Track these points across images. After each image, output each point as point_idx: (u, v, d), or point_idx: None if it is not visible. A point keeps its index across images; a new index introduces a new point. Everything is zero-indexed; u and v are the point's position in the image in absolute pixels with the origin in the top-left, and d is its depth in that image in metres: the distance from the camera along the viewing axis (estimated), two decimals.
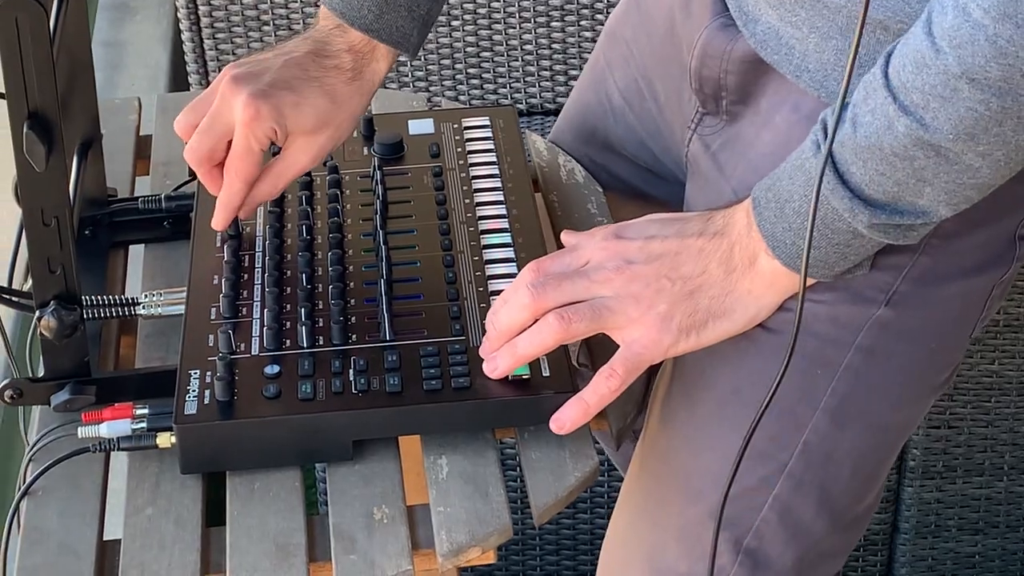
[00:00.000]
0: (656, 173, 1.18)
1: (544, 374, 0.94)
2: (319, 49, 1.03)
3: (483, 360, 0.94)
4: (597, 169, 1.22)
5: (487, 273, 1.03)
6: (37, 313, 0.95)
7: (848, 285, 0.93)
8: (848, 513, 1.02)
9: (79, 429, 0.94)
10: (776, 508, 0.99)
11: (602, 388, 0.90)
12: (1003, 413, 1.63)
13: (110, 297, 1.05)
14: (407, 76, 2.05)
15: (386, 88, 1.33)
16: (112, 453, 0.95)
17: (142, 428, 0.94)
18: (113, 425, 0.94)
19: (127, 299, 1.05)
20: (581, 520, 1.74)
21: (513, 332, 0.92)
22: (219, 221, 1.05)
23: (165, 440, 0.93)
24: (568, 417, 0.91)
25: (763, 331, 0.94)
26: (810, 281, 0.89)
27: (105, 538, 0.92)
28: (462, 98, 2.08)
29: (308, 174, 1.13)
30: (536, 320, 0.91)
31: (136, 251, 1.16)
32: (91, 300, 1.04)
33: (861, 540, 1.74)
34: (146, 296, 1.05)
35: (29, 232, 0.93)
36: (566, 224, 1.17)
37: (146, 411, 0.95)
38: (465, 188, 1.12)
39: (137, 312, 1.04)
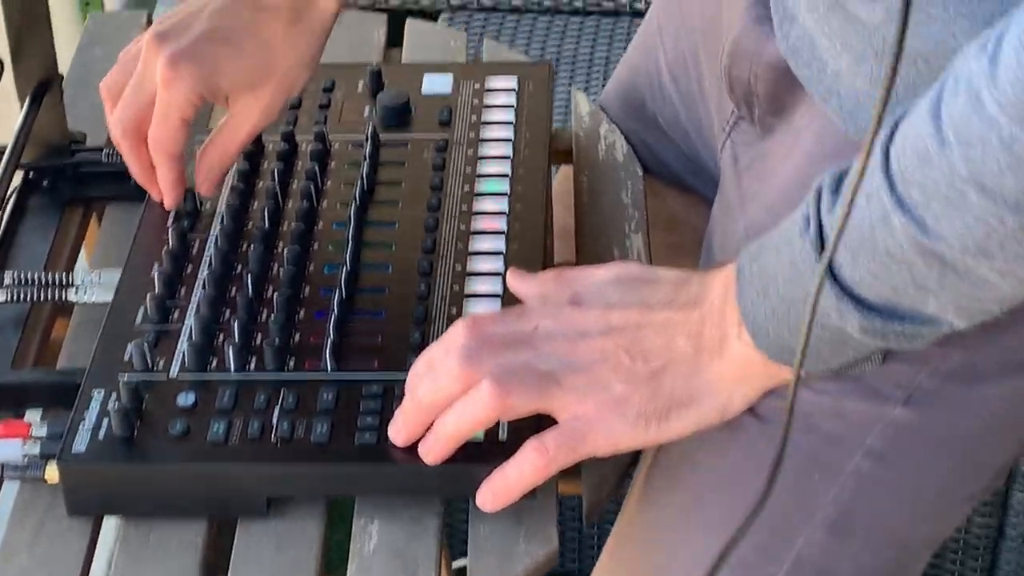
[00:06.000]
0: (699, 164, 0.99)
1: (501, 437, 0.78)
2: None
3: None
4: (642, 147, 1.04)
5: (465, 290, 0.87)
6: None
7: (858, 375, 0.75)
8: None
9: None
10: None
11: (525, 464, 0.74)
12: None
13: (38, 275, 0.91)
14: None
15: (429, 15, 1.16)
16: None
17: (35, 454, 0.81)
18: (2, 446, 0.81)
19: (59, 279, 0.91)
20: None
21: (435, 408, 0.75)
22: (166, 200, 0.91)
23: (53, 474, 0.79)
24: (488, 492, 0.75)
25: (752, 418, 0.76)
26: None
27: None
28: None
29: (290, 139, 0.97)
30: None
31: None
32: (16, 277, 0.91)
33: (960, 543, 1.56)
34: (83, 278, 0.91)
35: None
36: (591, 214, 0.99)
37: (43, 432, 0.81)
38: (468, 170, 0.95)
39: (68, 298, 0.91)
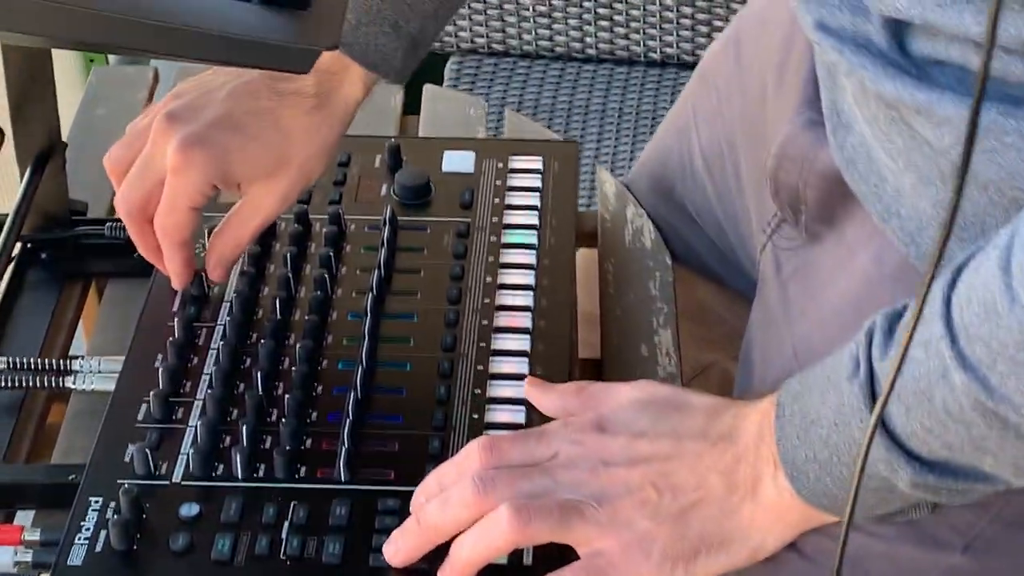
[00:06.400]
0: (731, 257, 0.95)
1: (526, 562, 0.73)
2: None
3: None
4: (670, 232, 0.99)
5: (488, 393, 0.82)
6: None
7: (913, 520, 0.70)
8: None
9: None
10: None
11: None
12: None
13: (35, 361, 0.86)
14: (528, 11, 1.82)
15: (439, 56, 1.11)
16: None
17: (27, 562, 0.76)
18: None
19: (57, 365, 0.86)
20: None
21: (440, 533, 0.70)
22: (174, 282, 0.86)
23: None
24: None
25: (795, 554, 0.72)
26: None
27: None
28: (588, 39, 1.85)
29: (304, 220, 0.92)
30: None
31: None
32: (11, 362, 0.86)
33: None
34: (81, 364, 0.86)
35: None
36: (617, 307, 0.95)
37: (38, 536, 0.76)
38: (491, 259, 0.90)
39: (66, 385, 0.86)
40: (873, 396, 0.63)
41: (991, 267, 0.58)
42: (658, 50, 1.89)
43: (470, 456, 0.72)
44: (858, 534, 0.69)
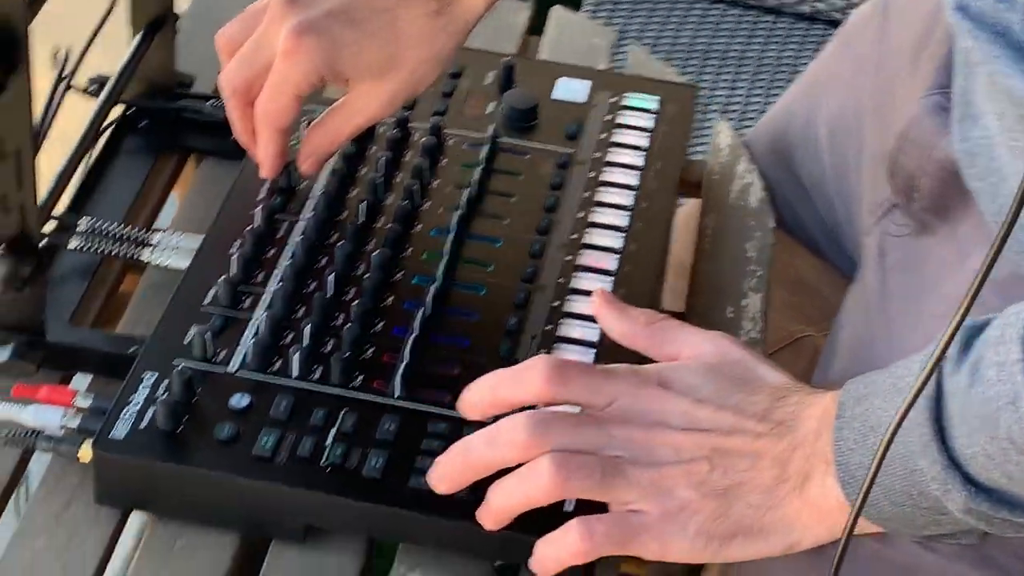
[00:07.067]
0: (837, 234, 0.91)
1: (566, 508, 0.71)
2: None
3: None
4: (780, 198, 0.95)
5: (559, 331, 0.79)
6: None
7: None
8: None
9: (0, 406, 0.76)
10: None
11: (564, 545, 0.67)
12: None
13: (116, 228, 0.85)
14: None
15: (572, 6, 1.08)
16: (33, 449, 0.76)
17: (72, 427, 0.75)
18: (41, 411, 0.75)
19: (137, 236, 0.85)
20: None
21: (486, 469, 0.68)
22: (263, 170, 0.84)
23: (87, 454, 0.74)
24: (539, 560, 0.69)
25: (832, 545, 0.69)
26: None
27: None
28: None
29: (404, 127, 0.90)
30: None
31: None
32: (92, 226, 0.85)
33: None
34: (160, 238, 0.86)
35: None
36: (710, 262, 0.91)
37: (89, 403, 0.76)
38: (586, 195, 0.88)
39: (142, 256, 0.85)
40: (939, 414, 0.60)
41: None
42: (808, 3, 1.83)
43: (533, 374, 0.69)
44: (911, 545, 0.66)
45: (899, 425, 0.57)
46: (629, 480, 0.67)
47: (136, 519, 0.74)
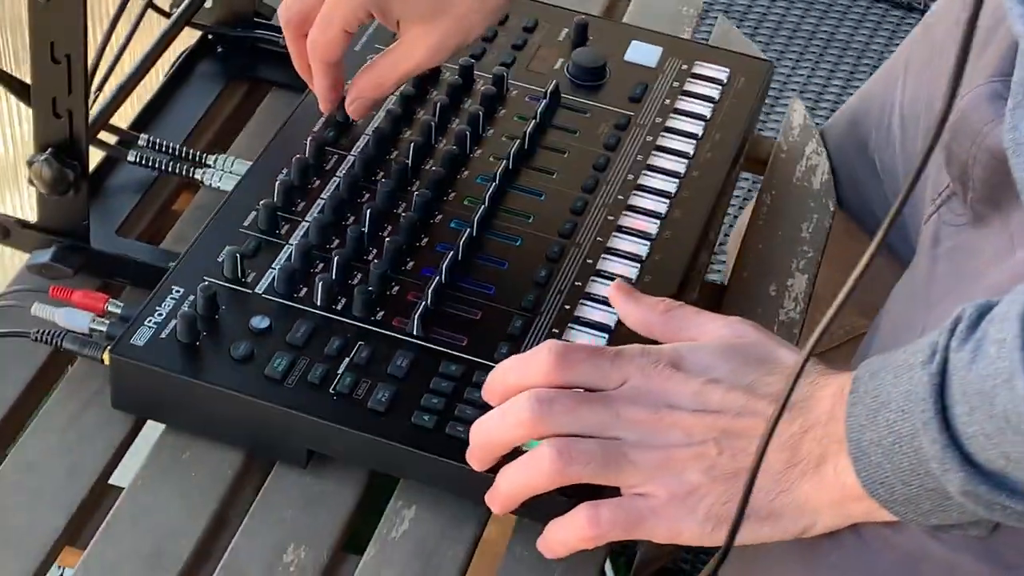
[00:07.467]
0: (902, 221, 0.89)
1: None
2: None
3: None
4: (850, 183, 0.94)
5: (587, 288, 0.79)
6: (28, 158, 0.78)
7: None
8: None
9: (35, 305, 0.78)
10: None
11: (572, 531, 0.67)
12: None
13: (174, 146, 0.87)
14: None
15: None
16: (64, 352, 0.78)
17: (101, 331, 0.77)
18: (72, 314, 0.77)
19: (193, 155, 0.87)
20: None
21: (496, 449, 0.68)
22: (321, 104, 0.85)
23: (108, 357, 0.75)
24: (548, 543, 0.69)
25: (852, 534, 0.67)
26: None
27: None
28: None
29: (468, 74, 0.91)
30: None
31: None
32: (151, 142, 0.87)
33: None
34: (214, 160, 0.87)
35: (35, 65, 0.75)
36: (762, 238, 0.90)
37: (119, 310, 0.78)
38: (639, 158, 0.87)
39: (195, 176, 0.87)
40: (942, 390, 0.58)
41: None
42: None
43: (538, 359, 0.68)
44: (919, 533, 0.65)
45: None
46: (634, 463, 0.66)
47: (151, 426, 0.76)
